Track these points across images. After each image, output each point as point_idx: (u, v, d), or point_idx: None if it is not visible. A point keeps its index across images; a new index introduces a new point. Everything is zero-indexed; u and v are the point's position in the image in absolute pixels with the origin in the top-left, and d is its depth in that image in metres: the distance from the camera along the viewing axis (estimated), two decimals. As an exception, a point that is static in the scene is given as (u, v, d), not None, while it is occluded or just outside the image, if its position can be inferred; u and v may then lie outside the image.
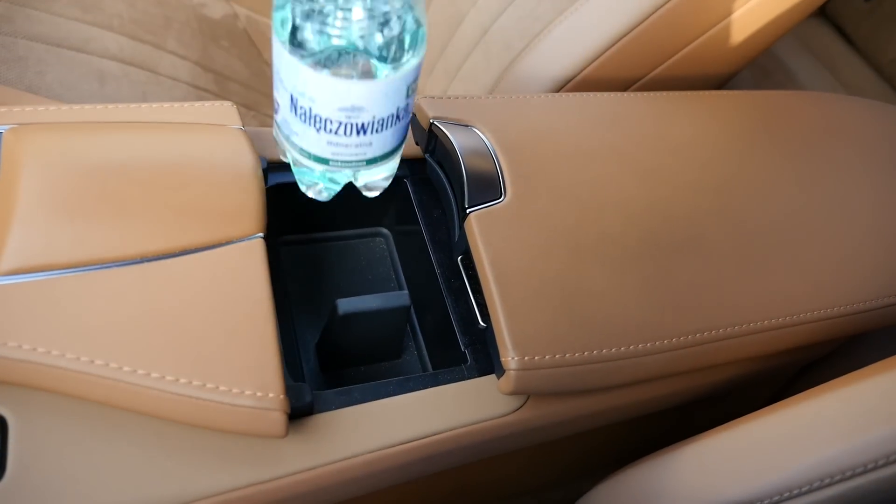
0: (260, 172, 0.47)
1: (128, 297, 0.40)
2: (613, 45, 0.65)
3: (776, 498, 0.40)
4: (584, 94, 0.61)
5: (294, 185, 0.52)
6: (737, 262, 0.55)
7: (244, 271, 0.43)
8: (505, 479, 0.66)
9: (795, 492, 0.39)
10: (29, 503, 0.37)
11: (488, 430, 0.48)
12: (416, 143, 0.56)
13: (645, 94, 0.64)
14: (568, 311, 0.47)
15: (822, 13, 1.20)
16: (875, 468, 0.37)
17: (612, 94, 0.62)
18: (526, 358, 0.45)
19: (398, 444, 0.45)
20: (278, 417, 0.39)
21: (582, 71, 0.67)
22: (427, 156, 0.55)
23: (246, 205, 0.45)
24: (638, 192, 0.55)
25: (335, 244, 0.59)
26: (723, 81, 0.78)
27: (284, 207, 0.53)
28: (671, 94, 0.65)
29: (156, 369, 0.38)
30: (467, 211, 0.49)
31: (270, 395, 0.39)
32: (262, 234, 0.44)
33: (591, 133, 0.57)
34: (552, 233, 0.49)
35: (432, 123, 0.53)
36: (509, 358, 0.45)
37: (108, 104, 0.48)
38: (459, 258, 0.51)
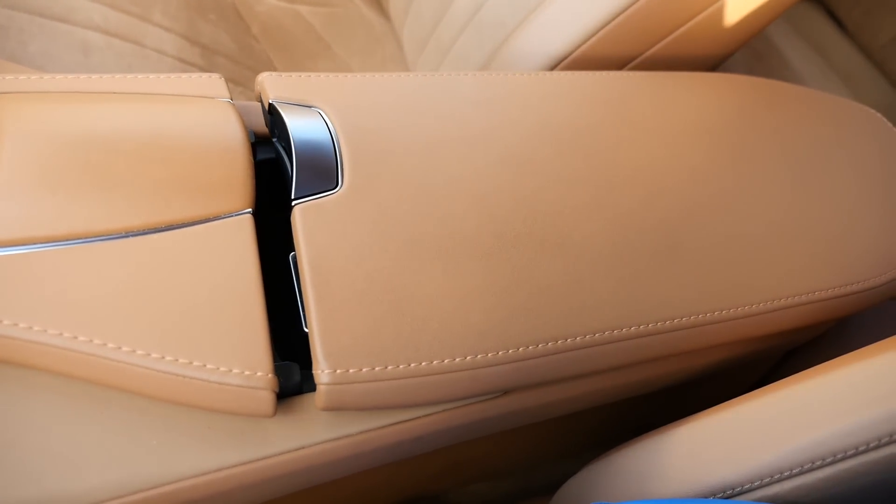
0: (249, 147, 0.46)
1: (112, 273, 0.39)
2: (609, 22, 0.64)
3: (767, 480, 0.40)
4: (472, 73, 0.57)
5: (282, 162, 0.51)
6: (630, 258, 0.50)
7: (232, 247, 0.42)
8: (493, 459, 0.65)
9: (786, 473, 0.39)
10: (11, 481, 0.36)
11: (476, 412, 0.47)
12: (266, 126, 0.51)
13: (550, 73, 0.60)
14: (396, 317, 0.43)
15: (814, -3, 1.19)
16: (867, 450, 0.37)
17: (506, 75, 0.58)
18: (338, 371, 0.40)
19: (387, 426, 0.44)
20: (266, 396, 0.39)
21: (577, 49, 0.66)
22: (274, 140, 0.50)
23: (234, 179, 0.44)
24: (504, 184, 0.49)
25: None
26: (716, 64, 0.77)
27: (272, 183, 0.52)
28: (577, 73, 0.60)
29: (140, 346, 0.37)
30: (292, 203, 0.44)
31: (258, 373, 0.39)
32: (250, 210, 0.44)
33: (462, 118, 0.52)
34: (388, 228, 0.45)
35: (271, 104, 0.48)
36: (320, 371, 0.40)
37: (93, 74, 0.47)
38: (291, 255, 0.45)
